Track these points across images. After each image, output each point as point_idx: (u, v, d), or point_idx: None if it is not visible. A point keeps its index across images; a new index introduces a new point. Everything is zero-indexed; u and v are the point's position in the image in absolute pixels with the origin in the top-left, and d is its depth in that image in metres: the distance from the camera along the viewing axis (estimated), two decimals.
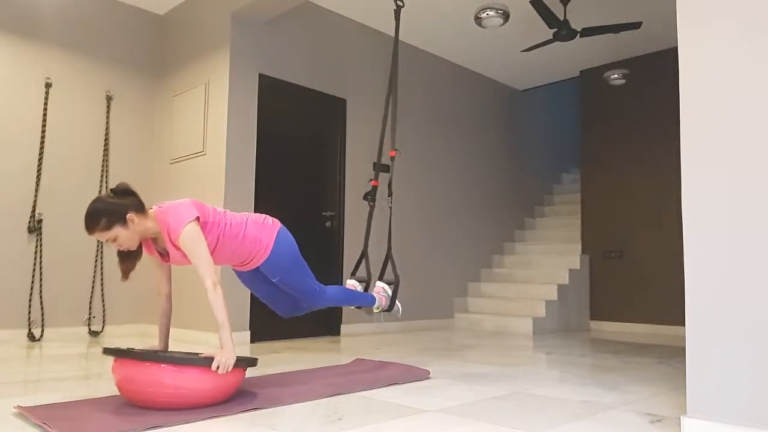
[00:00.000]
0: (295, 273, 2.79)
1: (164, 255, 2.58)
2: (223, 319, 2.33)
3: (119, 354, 2.18)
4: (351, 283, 3.37)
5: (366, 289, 3.38)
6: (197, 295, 4.55)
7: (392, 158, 3.56)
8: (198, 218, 2.42)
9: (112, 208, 2.34)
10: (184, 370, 2.14)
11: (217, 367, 2.17)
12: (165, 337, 2.64)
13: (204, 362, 2.17)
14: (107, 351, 2.22)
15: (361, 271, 3.50)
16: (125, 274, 2.49)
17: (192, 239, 2.37)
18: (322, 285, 2.95)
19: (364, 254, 3.51)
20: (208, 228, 2.49)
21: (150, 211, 2.46)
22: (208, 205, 2.57)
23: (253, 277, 2.88)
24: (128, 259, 2.49)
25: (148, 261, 2.63)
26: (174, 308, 4.92)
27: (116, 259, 2.56)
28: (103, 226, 2.33)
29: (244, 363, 2.30)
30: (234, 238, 2.59)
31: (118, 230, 2.35)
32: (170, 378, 2.12)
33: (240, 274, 2.90)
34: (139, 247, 2.50)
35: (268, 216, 2.79)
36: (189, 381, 2.14)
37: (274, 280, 2.80)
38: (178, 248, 2.43)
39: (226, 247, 2.59)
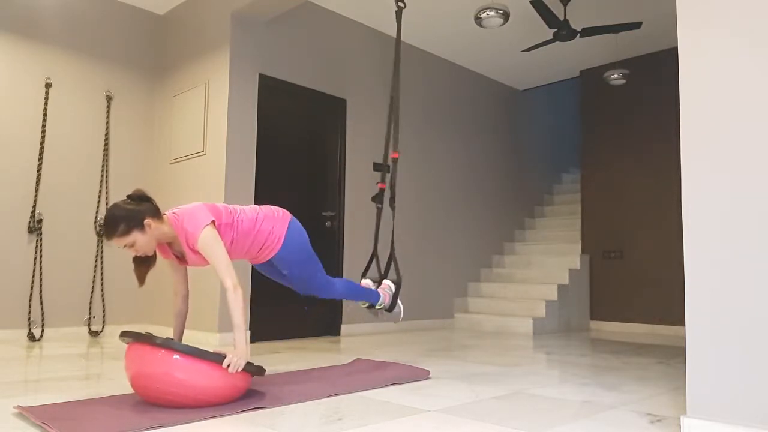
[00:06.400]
0: (305, 265, 2.87)
1: (180, 258, 2.62)
2: (240, 321, 2.35)
3: (137, 338, 2.20)
4: (366, 283, 3.42)
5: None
6: (198, 296, 4.54)
7: (395, 160, 3.56)
8: (213, 222, 2.47)
9: (130, 214, 2.36)
10: (195, 362, 2.15)
11: (228, 366, 2.19)
12: (179, 336, 2.69)
13: (215, 358, 2.18)
14: (125, 334, 2.26)
15: (372, 273, 3.53)
16: (141, 279, 2.52)
17: (210, 243, 2.41)
18: (330, 277, 3.03)
19: (374, 255, 3.53)
20: (222, 230, 2.54)
21: (165, 216, 2.49)
22: (220, 206, 2.61)
23: (267, 267, 2.95)
24: (144, 264, 2.52)
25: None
26: (171, 308, 4.92)
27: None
28: (121, 232, 2.35)
29: (252, 369, 2.31)
30: (247, 234, 2.65)
31: (136, 236, 2.37)
32: (181, 370, 2.13)
33: (256, 264, 2.96)
34: (154, 252, 2.53)
35: (278, 208, 2.85)
36: (198, 374, 2.15)
37: (284, 273, 2.87)
38: (196, 252, 2.47)
39: (240, 245, 2.66)
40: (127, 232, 2.35)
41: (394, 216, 3.64)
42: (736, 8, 1.94)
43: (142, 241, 2.39)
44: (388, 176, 3.56)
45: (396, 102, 3.62)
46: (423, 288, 6.09)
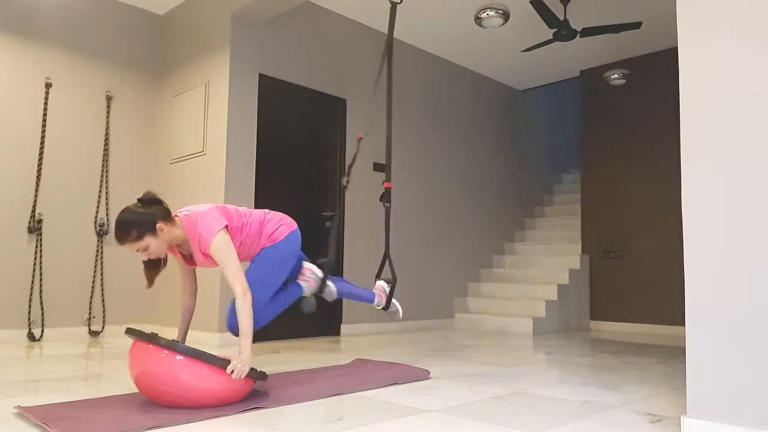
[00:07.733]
0: (271, 269, 2.69)
1: (188, 258, 2.61)
2: (247, 327, 2.34)
3: (141, 336, 2.20)
4: (379, 284, 3.43)
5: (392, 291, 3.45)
6: (198, 296, 4.53)
7: (359, 140, 3.62)
8: (226, 226, 2.45)
9: (142, 218, 2.34)
10: (199, 365, 2.15)
11: (232, 371, 2.18)
12: (184, 332, 2.68)
13: (220, 362, 2.18)
14: (129, 331, 2.26)
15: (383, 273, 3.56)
16: (150, 282, 2.50)
17: (222, 248, 2.39)
18: (267, 302, 2.74)
19: (386, 255, 3.53)
20: (233, 233, 2.53)
21: (176, 218, 2.47)
22: (230, 208, 2.60)
23: None
24: (154, 267, 2.50)
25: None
26: (172, 308, 4.93)
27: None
28: (134, 237, 2.33)
29: (255, 374, 2.30)
30: (254, 237, 2.66)
31: (149, 240, 2.35)
32: (184, 371, 2.13)
33: None
34: (165, 254, 2.52)
35: (286, 216, 2.84)
36: (201, 377, 2.15)
37: (250, 262, 2.73)
38: (206, 255, 2.46)
39: (247, 247, 2.65)
40: (139, 237, 2.33)
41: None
42: (736, 8, 1.94)
43: (154, 245, 2.37)
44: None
45: (389, 96, 3.63)
46: (423, 288, 6.09)
